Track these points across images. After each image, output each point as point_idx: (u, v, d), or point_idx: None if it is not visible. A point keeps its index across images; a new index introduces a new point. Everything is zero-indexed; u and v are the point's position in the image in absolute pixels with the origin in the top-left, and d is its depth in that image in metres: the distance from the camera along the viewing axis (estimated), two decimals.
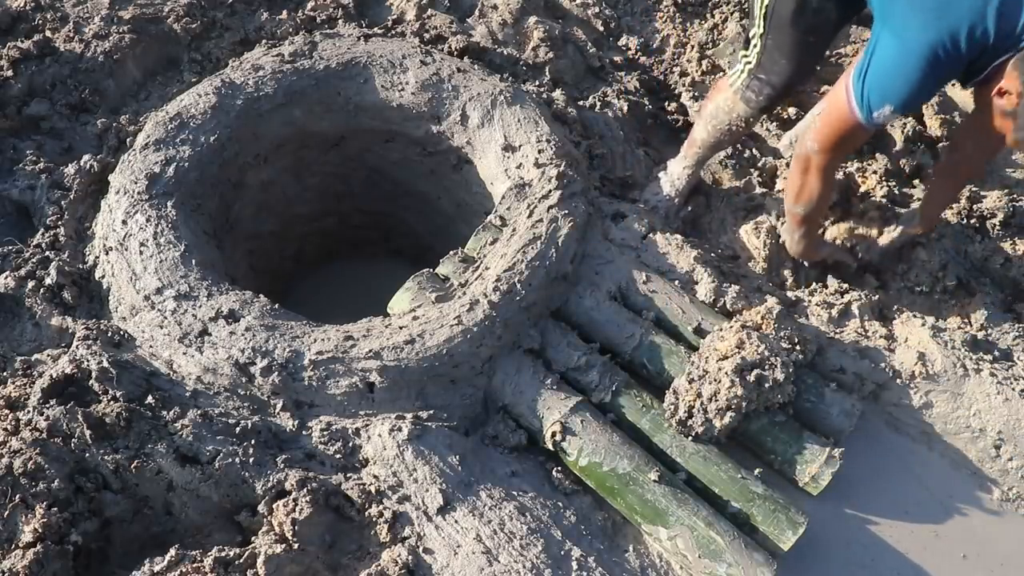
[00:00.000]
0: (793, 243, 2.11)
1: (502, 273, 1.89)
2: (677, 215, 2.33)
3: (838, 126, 1.77)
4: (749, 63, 1.97)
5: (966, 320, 2.04)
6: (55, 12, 2.56)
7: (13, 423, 1.65)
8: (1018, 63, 1.52)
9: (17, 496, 1.53)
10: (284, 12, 2.70)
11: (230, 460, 1.64)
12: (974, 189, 2.36)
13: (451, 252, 2.05)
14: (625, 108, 2.53)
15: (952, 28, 1.54)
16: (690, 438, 1.75)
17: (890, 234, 2.17)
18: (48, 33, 2.49)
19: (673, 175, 2.33)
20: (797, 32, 1.85)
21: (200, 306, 1.87)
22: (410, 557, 1.56)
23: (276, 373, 1.75)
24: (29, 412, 1.66)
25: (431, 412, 1.77)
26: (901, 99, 1.64)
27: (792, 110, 2.60)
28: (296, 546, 1.54)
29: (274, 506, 1.59)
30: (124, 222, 2.01)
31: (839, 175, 2.30)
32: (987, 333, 1.99)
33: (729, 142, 2.24)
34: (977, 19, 1.52)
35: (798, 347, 1.84)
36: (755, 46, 1.94)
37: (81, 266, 2.04)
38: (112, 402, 1.68)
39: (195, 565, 1.51)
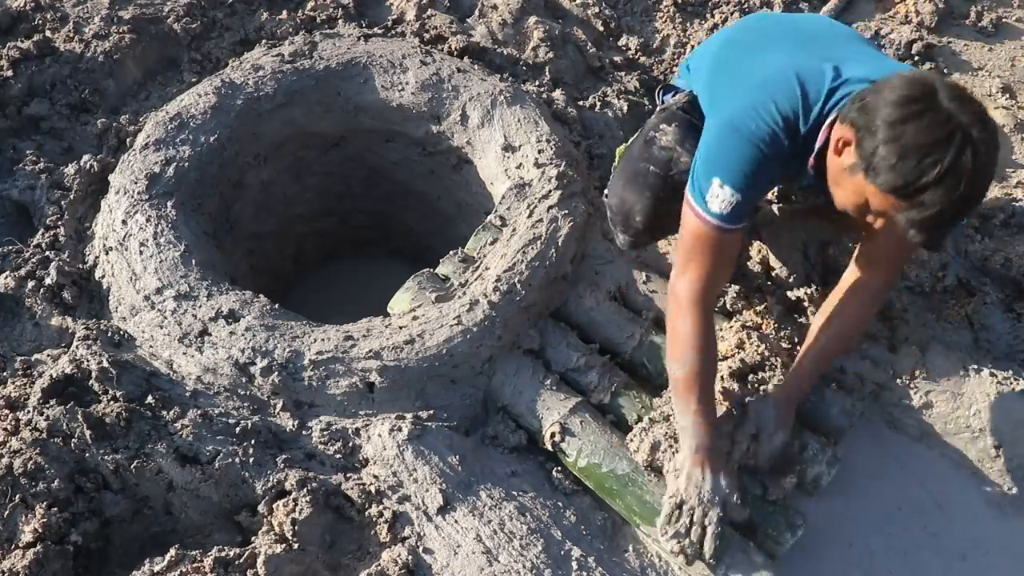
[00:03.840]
0: (680, 431, 1.59)
1: (502, 273, 1.89)
2: None
3: (691, 237, 1.57)
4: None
5: (966, 320, 2.04)
6: (55, 12, 2.56)
7: (13, 423, 1.65)
8: (842, 113, 1.42)
9: (17, 496, 1.54)
10: (284, 12, 2.70)
11: (230, 460, 1.64)
12: None
13: (451, 252, 2.05)
14: (625, 108, 2.53)
15: (770, 95, 1.51)
16: None
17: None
18: (48, 33, 2.49)
19: None
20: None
21: (200, 306, 1.87)
22: (410, 557, 1.56)
23: (276, 373, 1.75)
24: (29, 412, 1.66)
25: (431, 412, 1.77)
26: (729, 171, 1.49)
27: None
28: (296, 546, 1.54)
29: (274, 506, 1.59)
30: (124, 222, 2.01)
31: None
32: (987, 333, 1.99)
33: None
34: (787, 92, 1.50)
35: (798, 347, 1.84)
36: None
37: (81, 266, 2.04)
38: (112, 402, 1.68)
39: (195, 565, 1.51)
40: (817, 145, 1.52)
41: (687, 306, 1.58)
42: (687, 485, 1.54)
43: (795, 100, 1.51)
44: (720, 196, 1.50)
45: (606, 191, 1.96)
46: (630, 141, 1.94)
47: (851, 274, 1.74)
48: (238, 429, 1.70)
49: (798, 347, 1.84)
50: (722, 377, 1.74)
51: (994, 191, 2.35)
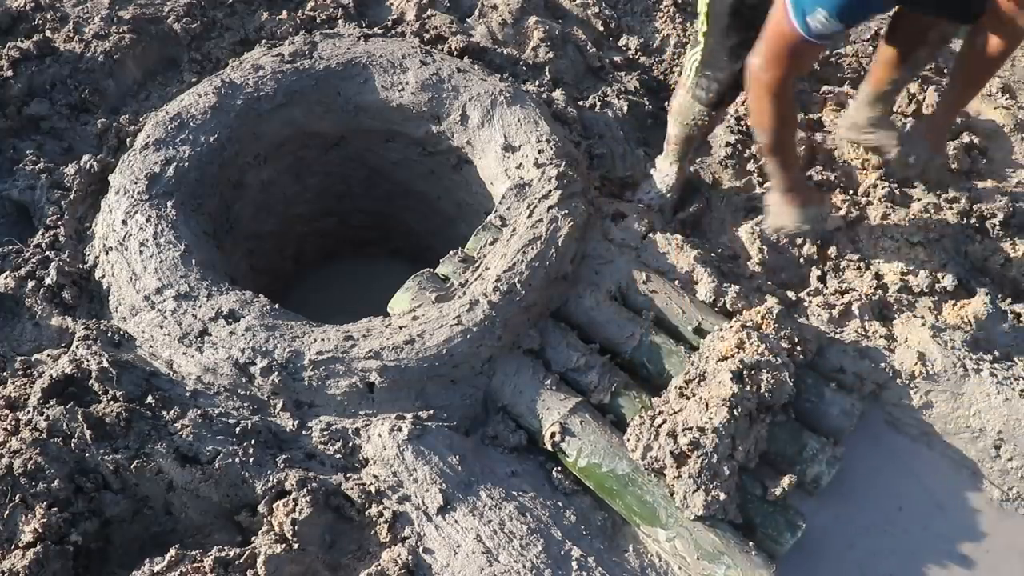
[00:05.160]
0: (773, 177, 2.00)
1: (502, 273, 1.89)
2: (673, 212, 2.33)
3: (780, 41, 1.68)
4: (696, 61, 1.98)
5: (966, 320, 2.04)
6: (55, 12, 2.57)
7: (13, 423, 1.65)
8: None
9: (17, 496, 1.54)
10: (284, 12, 2.70)
11: (230, 460, 1.64)
12: (976, 188, 2.36)
13: (451, 252, 2.05)
14: (625, 108, 2.53)
15: None
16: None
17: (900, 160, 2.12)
18: (48, 33, 2.49)
19: (662, 172, 2.34)
20: (736, 28, 1.85)
21: (200, 306, 1.87)
22: (410, 557, 1.56)
23: (276, 373, 1.75)
24: (29, 412, 1.66)
25: (431, 412, 1.77)
26: (835, 3, 1.54)
27: (799, 117, 2.59)
28: (296, 546, 1.54)
29: (274, 506, 1.59)
30: (124, 222, 2.01)
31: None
32: (987, 333, 1.99)
33: (700, 137, 2.24)
34: None
35: (798, 347, 1.84)
36: (700, 44, 1.94)
37: (81, 266, 2.04)
38: (112, 402, 1.68)
39: (195, 565, 1.51)
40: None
41: (768, 95, 1.77)
42: (778, 217, 2.03)
43: None
44: (820, 19, 1.57)
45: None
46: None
47: (991, 16, 1.77)
48: (238, 429, 1.70)
49: (798, 347, 1.84)
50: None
51: (994, 191, 2.35)
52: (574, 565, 1.59)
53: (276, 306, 1.92)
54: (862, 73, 2.73)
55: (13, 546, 1.50)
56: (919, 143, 2.12)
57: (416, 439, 1.70)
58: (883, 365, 1.90)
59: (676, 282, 2.02)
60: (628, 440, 1.71)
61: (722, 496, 1.60)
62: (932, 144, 2.09)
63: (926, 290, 2.12)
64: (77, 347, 1.78)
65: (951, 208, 2.31)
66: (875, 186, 2.31)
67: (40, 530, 1.50)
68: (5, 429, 1.63)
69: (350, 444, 1.74)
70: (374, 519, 1.62)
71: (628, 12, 2.94)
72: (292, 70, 2.35)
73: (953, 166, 2.43)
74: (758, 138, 1.93)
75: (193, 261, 1.96)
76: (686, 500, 1.62)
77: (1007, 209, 2.28)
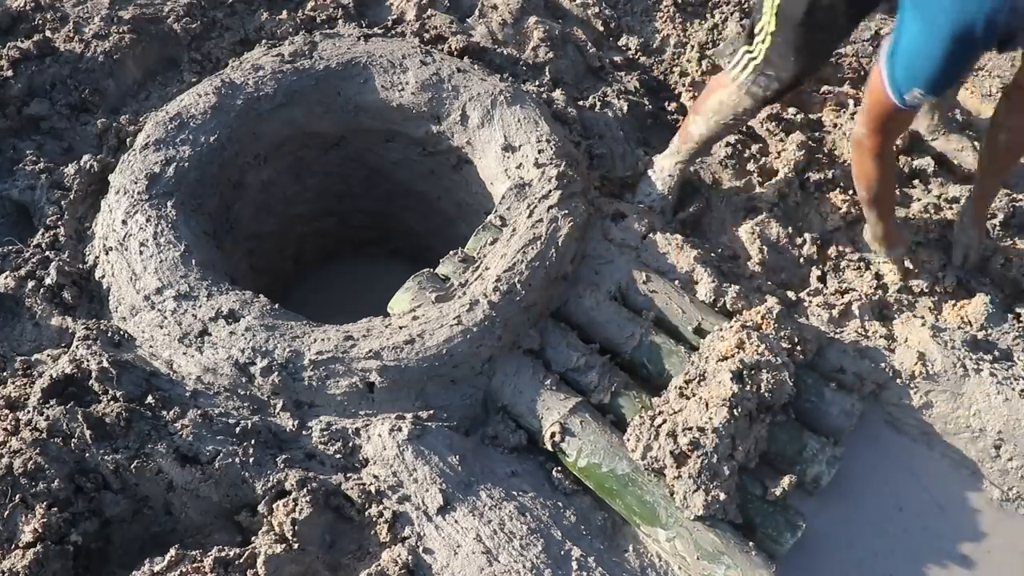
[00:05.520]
0: (871, 227, 2.12)
1: (502, 273, 1.89)
2: (673, 212, 2.33)
3: (878, 109, 1.77)
4: (754, 59, 1.97)
5: (966, 320, 2.04)
6: (55, 12, 2.56)
7: (13, 423, 1.65)
8: None
9: (17, 496, 1.54)
10: (284, 12, 2.70)
11: (230, 460, 1.64)
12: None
13: (451, 252, 2.05)
14: (625, 108, 2.53)
15: (981, 8, 1.51)
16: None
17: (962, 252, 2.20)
18: (48, 33, 2.49)
19: (664, 171, 2.31)
20: (808, 29, 1.84)
21: (200, 306, 1.87)
22: (410, 557, 1.56)
23: (276, 373, 1.75)
24: (29, 412, 1.66)
25: (431, 412, 1.77)
26: (930, 81, 1.62)
27: (792, 110, 2.60)
28: (296, 546, 1.54)
29: (274, 506, 1.59)
30: (124, 222, 2.01)
31: None
32: (987, 333, 1.99)
33: (726, 135, 2.25)
34: (1001, 4, 1.49)
35: (798, 347, 1.84)
36: (762, 41, 1.93)
37: (81, 266, 2.04)
38: (112, 402, 1.68)
39: (195, 565, 1.51)
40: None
41: (872, 158, 1.89)
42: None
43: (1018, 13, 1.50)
44: (915, 95, 1.66)
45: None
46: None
47: (1017, 91, 1.88)
48: (238, 429, 1.70)
49: (798, 347, 1.84)
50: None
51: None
52: (574, 565, 1.59)
53: (276, 306, 1.92)
54: (862, 73, 2.74)
55: (13, 546, 1.50)
56: (970, 233, 2.17)
57: (416, 439, 1.70)
58: (883, 365, 1.90)
59: (676, 282, 2.02)
60: (628, 440, 1.71)
61: (722, 496, 1.60)
62: (978, 234, 2.17)
63: (926, 290, 2.12)
64: (77, 347, 1.78)
65: (951, 208, 2.32)
66: None
67: (40, 530, 1.50)
68: (5, 429, 1.63)
69: (350, 444, 1.74)
70: (374, 519, 1.62)
71: (628, 12, 2.94)
72: (292, 70, 2.35)
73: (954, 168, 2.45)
74: (860, 193, 2.03)
75: (193, 261, 1.96)
76: (686, 500, 1.62)
77: (1007, 209, 2.28)
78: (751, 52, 1.97)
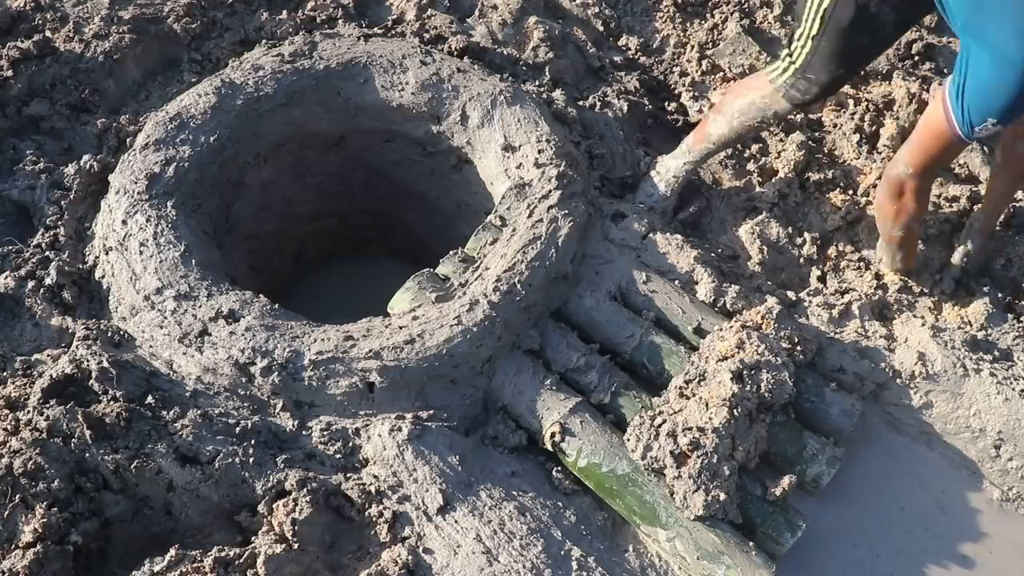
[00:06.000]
0: (895, 262, 2.13)
1: (502, 273, 1.89)
2: (673, 212, 2.33)
3: (936, 145, 1.77)
4: (794, 63, 1.96)
5: (966, 320, 2.04)
6: (55, 12, 2.56)
7: (13, 423, 1.65)
8: None
9: (17, 496, 1.54)
10: (284, 12, 2.70)
11: (230, 460, 1.64)
12: (974, 189, 2.36)
13: (451, 252, 2.05)
14: (625, 108, 2.53)
15: None
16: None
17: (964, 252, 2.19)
18: (48, 33, 2.49)
19: (669, 172, 2.30)
20: (853, 35, 1.84)
21: (200, 306, 1.87)
22: (410, 557, 1.56)
23: (276, 373, 1.75)
24: (29, 412, 1.66)
25: (431, 412, 1.77)
26: (1005, 111, 1.62)
27: (799, 117, 2.59)
28: (296, 546, 1.54)
29: (274, 506, 1.59)
30: (124, 222, 2.01)
31: None
32: (987, 333, 1.99)
33: (743, 140, 2.24)
34: None
35: (798, 347, 1.84)
36: (804, 46, 1.92)
37: (81, 266, 2.04)
38: (112, 402, 1.68)
39: (195, 565, 1.51)
40: None
41: (915, 195, 1.89)
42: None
43: None
44: (987, 127, 1.65)
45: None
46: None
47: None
48: (238, 429, 1.70)
49: (798, 347, 1.84)
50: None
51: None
52: (574, 565, 1.59)
53: (276, 306, 1.92)
54: (862, 73, 2.73)
55: (13, 546, 1.50)
56: (976, 241, 2.17)
57: (416, 439, 1.70)
58: (883, 365, 1.90)
59: (676, 282, 2.02)
60: (628, 440, 1.71)
61: (722, 496, 1.60)
62: (983, 243, 2.18)
63: (926, 290, 2.12)
64: (77, 347, 1.78)
65: (951, 206, 2.32)
66: (875, 186, 2.31)
67: (40, 530, 1.50)
68: (5, 429, 1.63)
69: (350, 444, 1.74)
70: (374, 519, 1.62)
71: (628, 12, 2.94)
72: (292, 70, 2.35)
73: (955, 169, 2.44)
74: (888, 230, 2.03)
75: (193, 261, 1.96)
76: (686, 500, 1.62)
77: (1007, 209, 2.28)
78: (791, 55, 1.96)
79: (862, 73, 2.73)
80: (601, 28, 2.85)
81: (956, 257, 2.19)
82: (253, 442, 1.68)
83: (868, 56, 1.97)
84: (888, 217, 1.99)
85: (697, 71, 2.73)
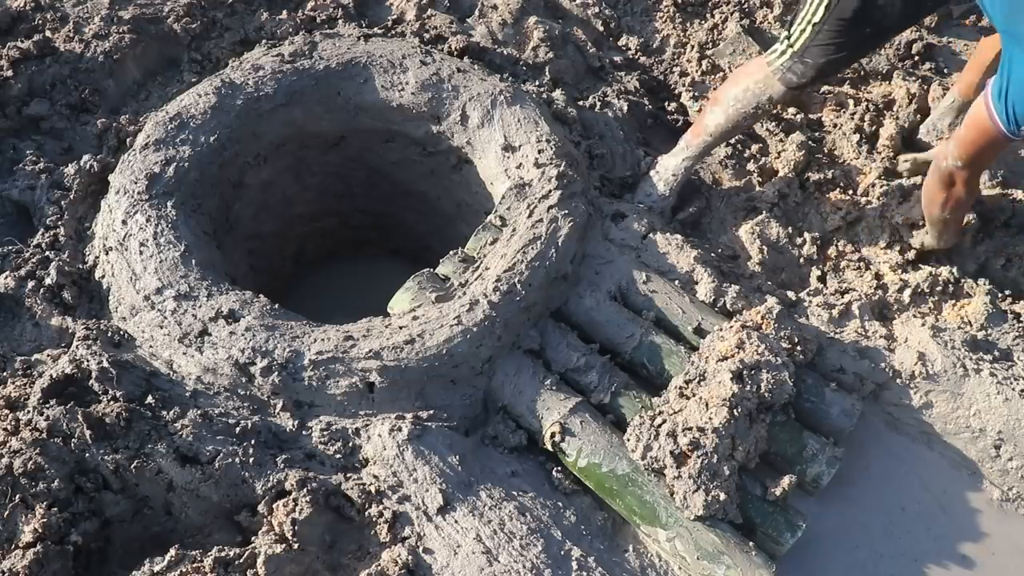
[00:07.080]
0: (943, 242, 2.17)
1: (502, 273, 1.89)
2: (673, 212, 2.33)
3: (982, 143, 1.81)
4: (792, 46, 1.96)
5: (966, 320, 2.04)
6: (55, 12, 2.56)
7: (13, 423, 1.65)
8: None
9: (17, 496, 1.54)
10: (284, 12, 2.70)
11: (230, 460, 1.64)
12: None
13: (451, 252, 2.05)
14: (625, 108, 2.53)
15: None
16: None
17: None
18: (48, 33, 2.49)
19: (668, 171, 2.30)
20: (856, 25, 1.85)
21: (200, 306, 1.87)
22: (410, 557, 1.56)
23: (276, 373, 1.75)
24: (29, 412, 1.66)
25: (431, 412, 1.77)
26: None
27: (792, 110, 2.60)
28: (296, 546, 1.54)
29: (274, 506, 1.59)
30: (124, 222, 2.01)
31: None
32: (987, 333, 1.99)
33: (740, 130, 2.23)
34: None
35: (798, 347, 1.84)
36: (804, 31, 1.92)
37: (81, 266, 2.04)
38: (112, 402, 1.68)
39: (195, 565, 1.51)
40: None
41: (965, 185, 1.94)
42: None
43: None
44: None
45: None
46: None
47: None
48: (238, 429, 1.70)
49: (798, 347, 1.84)
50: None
51: (994, 191, 2.35)
52: (574, 565, 1.59)
53: (276, 306, 1.92)
54: (862, 73, 2.74)
55: (13, 546, 1.50)
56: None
57: (416, 439, 1.70)
58: (883, 365, 1.90)
59: (676, 282, 2.02)
60: (628, 440, 1.71)
61: (722, 496, 1.60)
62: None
63: (926, 290, 2.12)
64: (77, 347, 1.78)
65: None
66: (874, 186, 2.31)
67: (40, 530, 1.50)
68: (5, 429, 1.63)
69: (350, 444, 1.74)
70: (374, 519, 1.62)
71: (628, 12, 2.94)
72: (292, 70, 2.35)
73: None
74: (936, 215, 2.07)
75: (193, 261, 1.96)
76: (686, 500, 1.62)
77: (1007, 209, 2.28)
78: (789, 39, 1.96)
79: (862, 73, 2.73)
80: (601, 28, 2.85)
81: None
82: (253, 442, 1.68)
83: (869, 46, 1.98)
84: (937, 204, 2.03)
85: (697, 71, 2.73)
